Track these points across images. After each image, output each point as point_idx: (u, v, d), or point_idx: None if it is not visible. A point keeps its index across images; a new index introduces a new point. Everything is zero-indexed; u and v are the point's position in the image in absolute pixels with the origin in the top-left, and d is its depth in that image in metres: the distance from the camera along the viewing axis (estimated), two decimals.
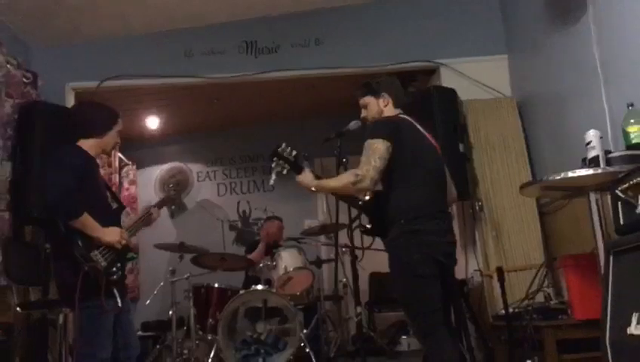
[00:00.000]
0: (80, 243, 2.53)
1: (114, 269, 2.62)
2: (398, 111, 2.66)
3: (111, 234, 2.62)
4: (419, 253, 2.36)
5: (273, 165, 2.66)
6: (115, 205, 2.88)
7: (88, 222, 2.55)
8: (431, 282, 2.38)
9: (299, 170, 2.64)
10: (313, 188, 2.61)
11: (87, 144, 2.74)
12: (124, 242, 2.66)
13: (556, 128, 3.79)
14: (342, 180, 2.49)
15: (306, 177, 2.61)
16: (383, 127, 2.50)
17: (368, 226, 2.67)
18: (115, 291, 2.59)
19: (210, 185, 6.87)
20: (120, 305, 2.60)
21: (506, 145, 4.18)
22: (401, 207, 2.42)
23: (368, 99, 2.70)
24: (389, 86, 2.70)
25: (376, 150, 2.40)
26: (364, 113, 2.73)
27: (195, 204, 6.73)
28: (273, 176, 2.66)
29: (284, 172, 2.66)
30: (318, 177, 2.63)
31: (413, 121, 2.64)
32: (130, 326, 2.80)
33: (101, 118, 2.81)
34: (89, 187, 2.64)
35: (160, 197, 3.20)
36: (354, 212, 3.20)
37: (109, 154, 2.95)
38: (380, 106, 2.66)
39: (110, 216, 2.74)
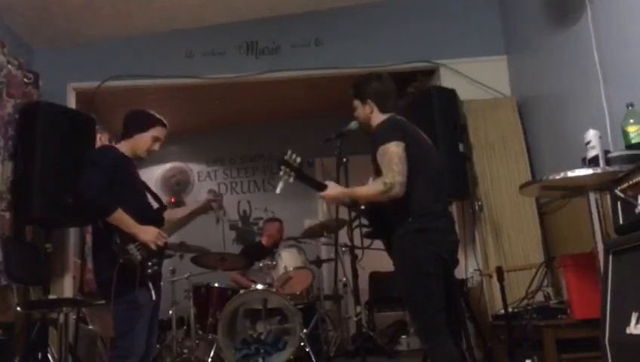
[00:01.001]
0: (117, 237, 2.58)
1: (150, 263, 2.64)
2: (388, 115, 2.62)
3: (147, 233, 2.65)
4: (425, 251, 2.36)
5: (281, 173, 2.61)
6: (156, 205, 2.92)
7: (123, 219, 2.59)
8: (436, 280, 2.38)
9: (321, 187, 2.60)
10: (347, 200, 2.59)
11: (124, 145, 2.84)
12: (160, 243, 2.68)
13: (556, 128, 3.80)
14: (372, 189, 2.45)
15: (334, 189, 2.59)
16: (391, 130, 2.48)
17: (369, 229, 2.66)
18: (150, 284, 2.62)
19: (210, 184, 6.87)
20: (154, 298, 2.63)
21: (506, 145, 4.19)
22: (408, 205, 2.41)
23: (356, 103, 2.69)
24: (376, 92, 2.64)
25: (394, 154, 2.39)
26: (355, 113, 2.73)
27: (195, 204, 6.72)
28: (280, 185, 2.62)
29: (291, 180, 2.63)
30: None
31: (408, 121, 2.63)
32: (155, 325, 2.83)
33: (135, 120, 2.88)
34: (122, 184, 2.68)
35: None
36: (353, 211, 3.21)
37: (140, 158, 2.95)
38: (366, 112, 2.65)
39: (150, 215, 2.77)
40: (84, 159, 2.72)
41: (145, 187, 2.98)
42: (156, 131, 2.89)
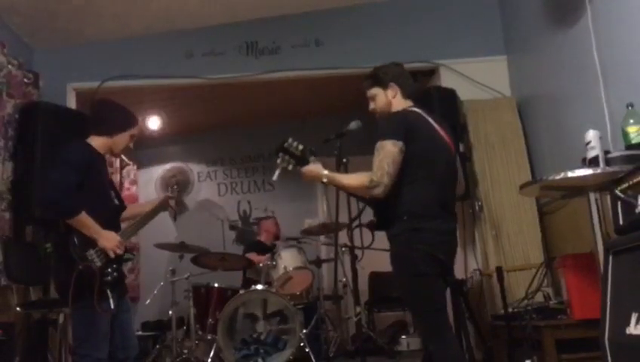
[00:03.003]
0: (76, 241, 2.50)
1: (109, 270, 2.56)
2: (408, 103, 2.55)
3: (107, 240, 2.57)
4: (420, 251, 2.32)
5: (279, 160, 2.55)
6: (117, 203, 2.83)
7: (86, 222, 2.51)
8: (433, 280, 2.34)
9: (305, 164, 2.55)
10: (324, 180, 2.52)
11: (98, 141, 2.74)
12: (118, 252, 2.58)
13: (556, 128, 3.80)
14: (357, 180, 2.41)
15: (316, 167, 2.54)
16: (394, 126, 2.41)
17: (373, 219, 2.59)
18: (109, 292, 2.53)
19: (210, 185, 6.88)
20: (112, 307, 2.52)
21: (506, 144, 4.19)
22: (406, 204, 2.37)
23: (376, 91, 2.58)
24: (397, 75, 2.57)
25: (389, 153, 2.33)
26: (372, 105, 2.62)
27: (195, 204, 6.74)
28: (277, 172, 2.56)
29: (290, 167, 2.56)
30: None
31: (425, 114, 2.52)
32: (129, 327, 2.77)
33: (115, 119, 2.78)
34: (91, 184, 2.60)
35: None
36: (353, 212, 3.20)
37: (116, 156, 2.90)
38: (389, 97, 2.55)
39: (110, 216, 2.70)
40: (56, 155, 2.61)
41: (110, 184, 2.89)
42: (135, 130, 2.83)
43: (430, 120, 2.51)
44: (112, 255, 2.57)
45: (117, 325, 2.64)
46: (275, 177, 2.57)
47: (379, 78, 2.58)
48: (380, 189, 2.34)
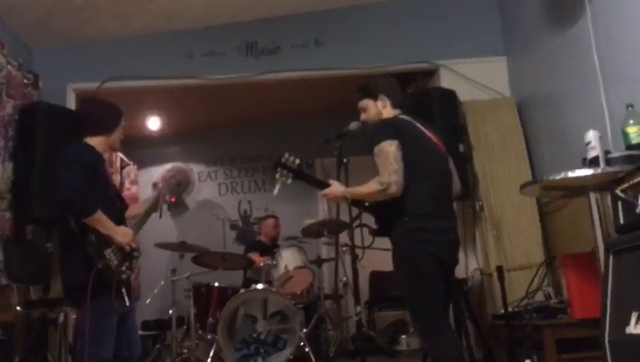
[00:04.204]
0: (94, 240, 2.53)
1: (123, 268, 2.61)
2: (397, 111, 2.67)
3: (122, 235, 2.62)
4: (422, 251, 2.38)
5: (277, 176, 2.67)
6: (119, 204, 2.86)
7: (102, 219, 2.55)
8: (434, 280, 2.39)
9: (323, 186, 2.65)
10: (347, 196, 2.61)
11: (96, 141, 2.75)
12: (134, 245, 2.65)
13: (556, 128, 3.81)
14: (370, 188, 2.48)
15: (337, 188, 2.64)
16: (383, 129, 2.53)
17: (375, 227, 2.66)
18: (124, 291, 2.60)
19: (211, 184, 6.88)
20: (128, 304, 2.60)
21: (506, 145, 4.20)
22: (405, 205, 2.43)
23: (366, 102, 2.71)
24: (386, 87, 2.72)
25: (388, 153, 2.42)
26: (363, 116, 2.74)
27: (196, 204, 6.74)
28: (277, 187, 2.67)
29: (289, 181, 2.67)
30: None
31: (413, 120, 2.64)
32: (133, 326, 2.81)
33: (109, 117, 2.82)
34: (98, 184, 2.63)
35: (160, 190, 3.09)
36: (354, 211, 3.21)
37: (115, 150, 2.93)
38: (379, 108, 2.68)
39: (116, 215, 2.72)
40: (63, 156, 2.63)
41: (112, 184, 2.93)
42: (124, 120, 2.87)
43: (418, 125, 2.63)
44: (127, 249, 2.63)
45: (123, 324, 2.66)
46: (275, 192, 2.70)
47: (369, 90, 2.72)
48: (394, 188, 2.40)
